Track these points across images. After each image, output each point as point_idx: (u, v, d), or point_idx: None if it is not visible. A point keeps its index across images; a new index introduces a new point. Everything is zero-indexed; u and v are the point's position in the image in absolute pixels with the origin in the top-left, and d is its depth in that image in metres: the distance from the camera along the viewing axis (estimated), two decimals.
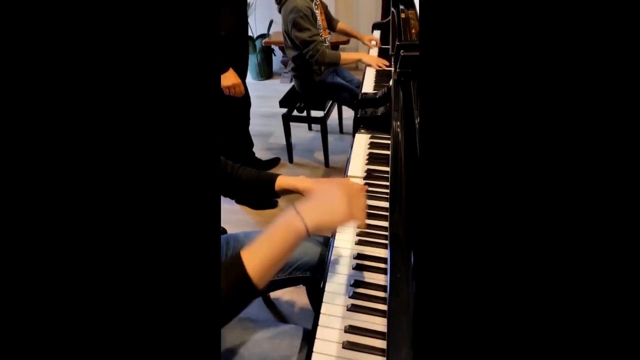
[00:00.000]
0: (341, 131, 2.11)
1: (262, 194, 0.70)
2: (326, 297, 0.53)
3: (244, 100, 1.33)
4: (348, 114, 2.07)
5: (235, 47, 1.21)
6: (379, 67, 1.39)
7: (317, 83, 1.54)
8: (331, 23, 1.63)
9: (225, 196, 0.73)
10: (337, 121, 2.09)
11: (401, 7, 1.65)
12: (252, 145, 1.61)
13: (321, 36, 1.44)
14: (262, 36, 2.77)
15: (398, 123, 0.77)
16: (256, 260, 0.41)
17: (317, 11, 1.40)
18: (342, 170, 1.84)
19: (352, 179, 0.77)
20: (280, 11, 1.39)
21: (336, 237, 0.64)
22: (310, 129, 2.15)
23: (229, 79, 1.13)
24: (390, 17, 1.81)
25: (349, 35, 1.71)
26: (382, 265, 0.56)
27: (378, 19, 2.46)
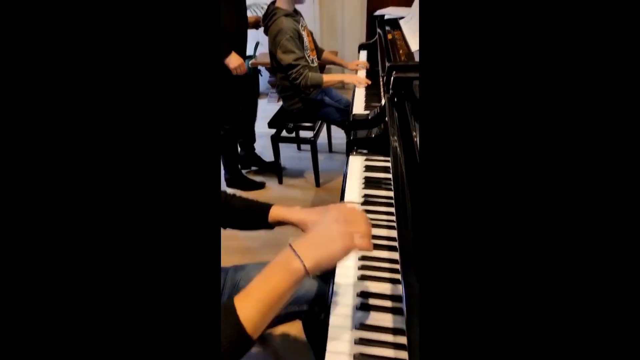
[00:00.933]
0: (330, 150, 2.09)
1: (254, 225, 0.66)
2: (330, 346, 0.47)
3: (251, 92, 1.56)
4: (337, 132, 2.06)
5: (234, 42, 1.34)
6: (363, 84, 1.39)
7: (305, 102, 1.52)
8: (316, 51, 1.64)
9: None
10: (326, 139, 2.07)
11: (387, 28, 1.68)
12: (254, 140, 1.75)
13: (309, 57, 1.43)
14: (249, 57, 2.77)
15: (397, 144, 0.74)
16: (250, 308, 0.37)
17: (303, 33, 1.39)
18: (333, 190, 1.80)
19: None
20: (266, 32, 1.38)
21: (336, 271, 0.59)
22: (299, 148, 2.12)
23: (233, 61, 1.30)
24: (376, 38, 1.84)
25: (334, 63, 1.72)
26: (388, 304, 0.52)
27: (363, 39, 2.51)
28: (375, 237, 0.64)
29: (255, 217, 0.64)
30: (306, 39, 1.41)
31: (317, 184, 1.77)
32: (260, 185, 1.74)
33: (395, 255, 0.59)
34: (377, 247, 0.62)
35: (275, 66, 1.44)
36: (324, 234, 0.42)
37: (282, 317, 0.68)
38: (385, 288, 0.54)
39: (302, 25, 1.39)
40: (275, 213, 0.63)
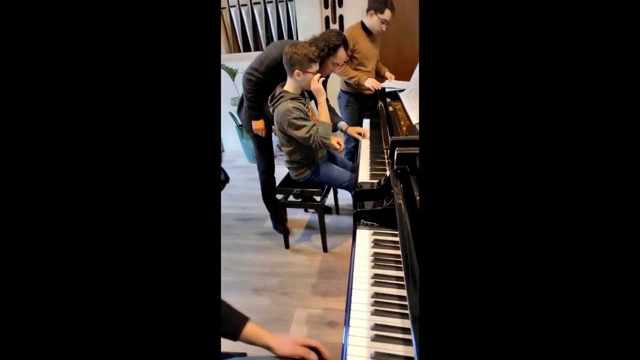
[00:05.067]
0: (337, 212, 2.08)
1: (223, 335, 0.64)
2: None
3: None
4: (343, 194, 2.07)
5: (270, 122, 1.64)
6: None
7: (312, 173, 1.57)
8: None
9: None
10: (333, 200, 2.07)
11: (387, 99, 1.80)
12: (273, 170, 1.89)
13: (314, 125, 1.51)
14: None
15: (405, 219, 0.73)
16: None
17: (307, 109, 1.48)
18: (340, 256, 1.75)
19: (357, 292, 0.69)
20: (272, 111, 1.48)
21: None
22: (306, 211, 2.12)
23: (256, 124, 1.64)
24: (378, 108, 1.96)
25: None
26: None
27: None
28: (388, 328, 0.60)
29: (226, 331, 0.63)
30: (309, 113, 1.50)
31: (325, 249, 1.73)
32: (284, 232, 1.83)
33: (411, 352, 0.55)
34: (390, 339, 0.57)
35: (285, 143, 1.51)
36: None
37: None
38: None
39: (307, 107, 1.49)
40: (250, 332, 0.63)
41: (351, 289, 0.70)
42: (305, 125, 1.40)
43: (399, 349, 0.56)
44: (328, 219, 1.97)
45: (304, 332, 1.30)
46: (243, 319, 0.64)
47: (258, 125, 1.64)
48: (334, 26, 2.60)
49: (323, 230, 1.69)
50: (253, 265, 1.68)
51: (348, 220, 2.01)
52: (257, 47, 2.88)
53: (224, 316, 0.63)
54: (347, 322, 0.62)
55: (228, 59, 2.76)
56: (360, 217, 0.95)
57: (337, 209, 2.08)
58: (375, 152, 1.48)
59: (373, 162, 1.41)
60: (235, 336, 0.63)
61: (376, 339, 0.58)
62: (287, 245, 1.78)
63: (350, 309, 0.64)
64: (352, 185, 1.53)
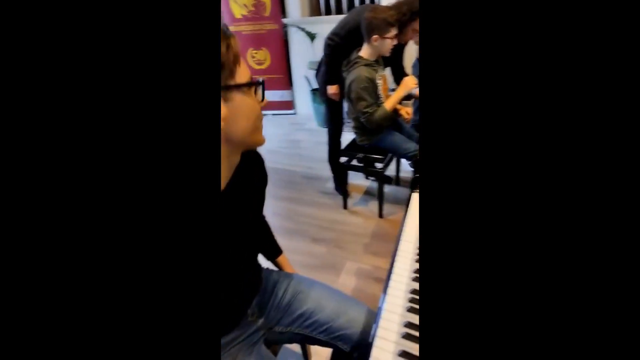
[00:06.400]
0: (397, 183, 2.12)
1: (268, 249, 0.89)
2: None
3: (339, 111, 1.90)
4: (406, 166, 2.09)
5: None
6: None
7: (376, 140, 1.62)
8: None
9: None
10: (394, 171, 2.11)
11: None
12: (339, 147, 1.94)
13: (382, 101, 1.53)
14: None
15: None
16: None
17: (379, 81, 1.49)
18: (394, 223, 1.82)
19: (405, 244, 0.78)
20: (345, 75, 1.53)
21: (385, 306, 0.63)
22: (367, 178, 2.21)
23: (331, 88, 1.70)
24: None
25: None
26: None
27: None
28: None
29: (273, 247, 0.88)
30: (380, 87, 1.52)
31: (380, 215, 1.81)
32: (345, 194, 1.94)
33: None
34: None
35: (350, 107, 1.58)
36: None
37: (326, 344, 0.71)
38: None
39: (379, 74, 1.50)
40: (280, 260, 0.88)
41: (399, 240, 0.79)
42: (365, 100, 1.44)
43: None
44: (387, 188, 2.03)
45: (352, 282, 1.45)
46: (279, 250, 0.88)
47: (333, 89, 1.73)
48: None
49: (381, 196, 1.76)
50: (313, 218, 1.86)
51: (407, 192, 2.04)
52: (339, 11, 2.87)
53: (270, 240, 0.86)
54: (392, 266, 0.72)
55: (308, 22, 2.82)
56: (417, 183, 1.00)
57: (397, 180, 2.12)
58: None
59: None
60: (272, 258, 0.88)
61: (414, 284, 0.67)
62: (345, 206, 1.91)
63: (396, 255, 0.74)
64: (415, 156, 1.56)
